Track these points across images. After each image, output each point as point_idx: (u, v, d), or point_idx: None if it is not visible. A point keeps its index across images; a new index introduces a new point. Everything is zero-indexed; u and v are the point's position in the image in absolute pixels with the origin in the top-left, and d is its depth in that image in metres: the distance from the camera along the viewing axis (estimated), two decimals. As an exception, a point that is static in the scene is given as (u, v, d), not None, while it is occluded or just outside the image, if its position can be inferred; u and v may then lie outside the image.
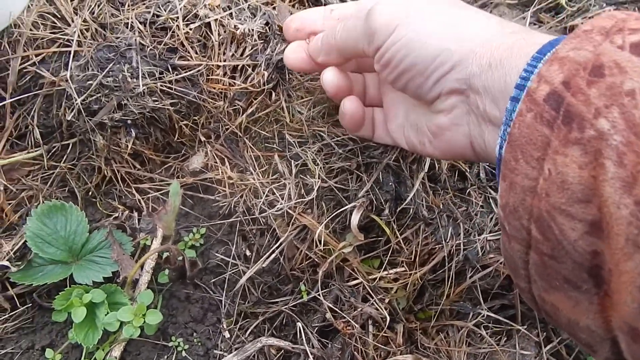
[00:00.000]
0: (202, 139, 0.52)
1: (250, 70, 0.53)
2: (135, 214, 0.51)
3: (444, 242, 0.47)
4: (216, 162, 0.51)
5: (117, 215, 0.48)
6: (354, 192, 0.48)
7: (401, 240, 0.48)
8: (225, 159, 0.52)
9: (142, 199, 0.51)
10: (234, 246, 0.50)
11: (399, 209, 0.48)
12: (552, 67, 0.23)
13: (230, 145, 0.52)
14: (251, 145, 0.51)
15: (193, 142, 0.53)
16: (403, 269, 0.48)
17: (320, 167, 0.48)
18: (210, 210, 0.51)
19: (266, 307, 0.50)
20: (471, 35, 0.30)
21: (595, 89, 0.21)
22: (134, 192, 0.51)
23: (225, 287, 0.49)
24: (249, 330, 0.49)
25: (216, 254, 0.50)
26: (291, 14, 0.53)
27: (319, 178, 0.48)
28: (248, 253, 0.50)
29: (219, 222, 0.51)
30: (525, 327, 0.50)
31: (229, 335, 0.48)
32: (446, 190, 0.49)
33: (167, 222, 0.42)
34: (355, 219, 0.46)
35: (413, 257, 0.48)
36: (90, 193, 0.51)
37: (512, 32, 0.30)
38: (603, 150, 0.20)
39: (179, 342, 0.46)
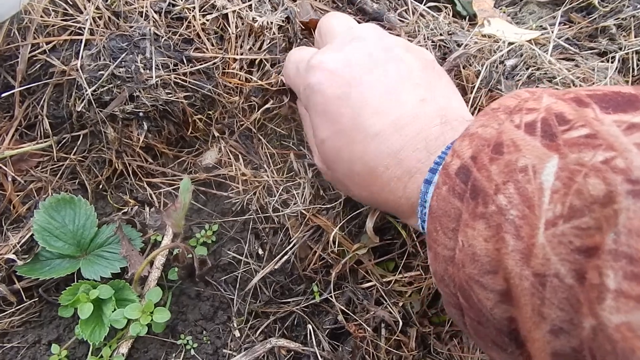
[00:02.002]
0: (216, 134, 0.51)
1: (268, 65, 0.51)
2: (147, 209, 0.49)
3: (461, 246, 0.46)
4: (230, 158, 0.50)
5: (127, 210, 0.47)
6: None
7: (417, 244, 0.46)
8: (240, 155, 0.50)
9: (154, 193, 0.50)
10: (247, 244, 0.49)
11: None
12: (463, 142, 0.25)
13: (244, 142, 0.51)
14: (266, 142, 0.49)
15: (207, 137, 0.52)
16: (418, 272, 0.47)
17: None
18: (224, 206, 0.50)
19: (277, 307, 0.49)
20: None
21: (495, 165, 0.22)
22: (146, 186, 0.50)
23: (237, 285, 0.48)
24: (260, 329, 0.48)
25: (228, 252, 0.49)
26: (314, 10, 0.51)
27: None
28: (260, 252, 0.49)
29: (232, 219, 0.50)
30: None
31: (239, 335, 0.48)
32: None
33: (176, 220, 0.41)
34: (370, 221, 0.45)
35: (429, 261, 0.47)
36: (100, 186, 0.49)
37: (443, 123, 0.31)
38: (503, 225, 0.21)
39: (187, 340, 0.45)
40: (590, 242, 0.18)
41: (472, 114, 0.51)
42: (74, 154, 0.49)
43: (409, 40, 0.56)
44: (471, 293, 0.23)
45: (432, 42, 0.59)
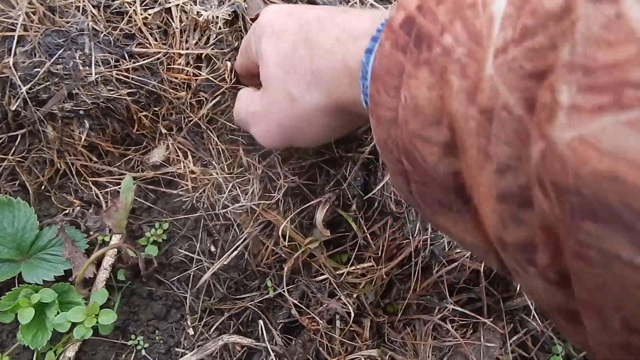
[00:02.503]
0: (164, 131, 0.50)
1: (215, 60, 0.50)
2: (92, 209, 0.48)
3: (411, 237, 0.47)
4: (178, 156, 0.49)
5: (69, 211, 0.45)
6: (321, 187, 0.47)
7: (368, 235, 0.47)
8: (188, 152, 0.50)
9: (100, 193, 0.49)
10: (199, 242, 0.48)
11: (366, 203, 0.47)
12: None
13: (193, 138, 0.50)
14: (215, 138, 0.49)
15: (154, 135, 0.50)
16: (370, 264, 0.48)
17: (288, 162, 0.47)
18: (174, 205, 0.49)
19: (232, 303, 0.49)
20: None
21: (442, 6, 0.21)
22: (91, 185, 0.49)
23: (190, 283, 0.48)
24: (214, 326, 0.48)
25: (180, 250, 0.49)
26: (265, 4, 0.50)
27: (284, 174, 0.46)
28: (213, 249, 0.49)
29: (183, 217, 0.49)
30: (491, 319, 0.50)
31: (192, 333, 0.47)
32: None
33: (117, 220, 0.40)
34: (320, 214, 0.45)
35: (380, 252, 0.47)
36: (43, 187, 0.48)
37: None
38: (448, 66, 0.20)
39: (138, 341, 0.45)
40: (542, 64, 0.17)
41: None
42: (12, 155, 0.47)
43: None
44: (415, 152, 0.22)
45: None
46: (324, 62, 0.32)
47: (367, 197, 0.47)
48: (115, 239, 0.48)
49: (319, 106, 0.34)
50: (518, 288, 0.52)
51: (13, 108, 0.44)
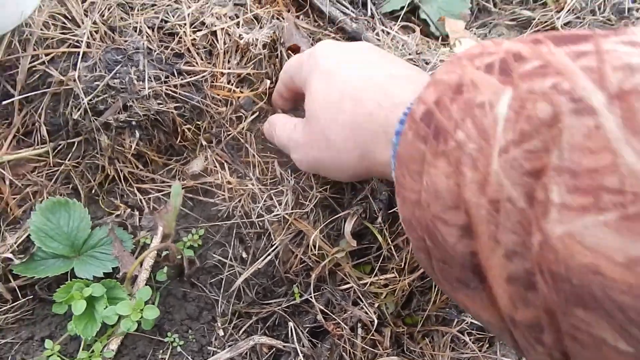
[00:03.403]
0: (204, 143, 0.54)
1: (253, 79, 0.55)
2: (137, 213, 0.52)
3: (432, 251, 0.50)
4: (216, 167, 0.53)
5: (118, 213, 0.49)
6: (348, 200, 0.50)
7: (392, 247, 0.50)
8: (225, 164, 0.53)
9: (144, 198, 0.53)
10: (231, 248, 0.52)
11: (391, 216, 0.50)
12: (428, 89, 0.26)
13: (230, 151, 0.54)
14: (253, 151, 0.53)
15: (194, 146, 0.55)
16: (393, 275, 0.50)
17: (317, 176, 0.50)
18: (210, 212, 0.53)
19: (260, 307, 0.52)
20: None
21: (455, 104, 0.23)
22: (136, 191, 0.53)
23: (222, 287, 0.51)
24: (243, 329, 0.50)
25: (214, 255, 0.52)
26: (297, 29, 0.55)
27: (314, 185, 0.49)
28: (244, 255, 0.52)
29: (217, 224, 0.53)
30: (506, 334, 0.52)
31: (222, 334, 0.50)
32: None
33: (168, 221, 0.43)
34: (349, 225, 0.48)
35: (403, 264, 0.50)
36: (93, 191, 0.52)
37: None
38: (462, 159, 0.22)
39: (174, 338, 0.48)
40: (538, 164, 0.19)
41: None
42: (68, 160, 0.51)
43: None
44: (436, 232, 0.24)
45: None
46: (365, 123, 0.35)
47: (391, 211, 0.50)
48: (156, 242, 0.51)
49: (351, 158, 0.37)
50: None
51: (75, 117, 0.48)
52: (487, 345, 0.52)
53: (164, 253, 0.47)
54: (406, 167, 0.26)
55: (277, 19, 0.57)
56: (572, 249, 0.18)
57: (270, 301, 0.52)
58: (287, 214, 0.49)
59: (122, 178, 0.52)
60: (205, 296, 0.51)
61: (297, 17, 0.63)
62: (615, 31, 0.21)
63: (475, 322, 0.51)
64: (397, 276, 0.50)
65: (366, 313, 0.48)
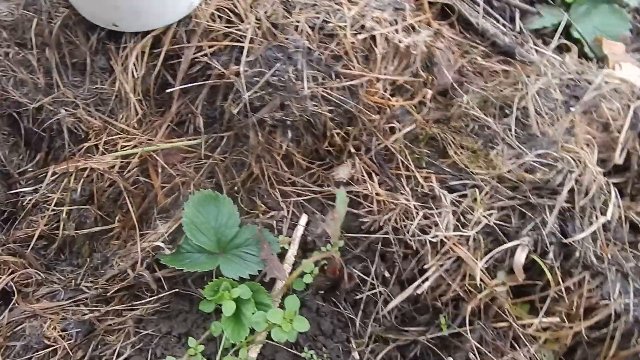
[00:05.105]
0: (352, 150, 0.51)
1: (409, 87, 0.52)
2: (277, 215, 0.50)
3: (611, 297, 0.43)
4: (363, 176, 0.50)
5: (274, 214, 0.47)
6: (515, 229, 0.45)
7: (563, 289, 0.44)
8: (373, 174, 0.50)
9: (284, 202, 0.50)
10: (374, 265, 0.48)
11: (563, 252, 0.44)
12: None
13: (379, 161, 0.51)
14: (409, 164, 0.49)
15: (340, 152, 0.52)
16: (557, 319, 0.44)
17: (481, 200, 0.46)
18: (351, 224, 0.50)
19: (397, 333, 0.47)
20: None
21: None
22: (277, 194, 0.50)
23: (362, 306, 0.47)
24: (380, 355, 0.46)
25: (354, 270, 0.48)
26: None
27: (480, 210, 0.45)
28: (387, 274, 0.48)
29: (357, 236, 0.49)
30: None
31: (358, 358, 0.46)
32: (615, 240, 0.45)
33: (334, 230, 0.40)
34: (520, 257, 0.42)
35: (573, 309, 0.44)
36: (235, 188, 0.51)
37: None
38: None
39: (311, 354, 0.44)
40: None
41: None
42: (217, 154, 0.50)
43: (536, 77, 0.55)
44: None
45: (560, 80, 0.58)
46: None
47: (566, 243, 0.44)
48: (293, 249, 0.48)
49: None
50: None
51: (235, 111, 0.47)
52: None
53: (321, 263, 0.44)
54: None
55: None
56: None
57: (409, 328, 0.47)
58: (445, 236, 0.45)
59: (266, 177, 0.50)
60: (339, 313, 0.48)
61: (440, 25, 0.60)
62: None
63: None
64: (564, 321, 0.44)
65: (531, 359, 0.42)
